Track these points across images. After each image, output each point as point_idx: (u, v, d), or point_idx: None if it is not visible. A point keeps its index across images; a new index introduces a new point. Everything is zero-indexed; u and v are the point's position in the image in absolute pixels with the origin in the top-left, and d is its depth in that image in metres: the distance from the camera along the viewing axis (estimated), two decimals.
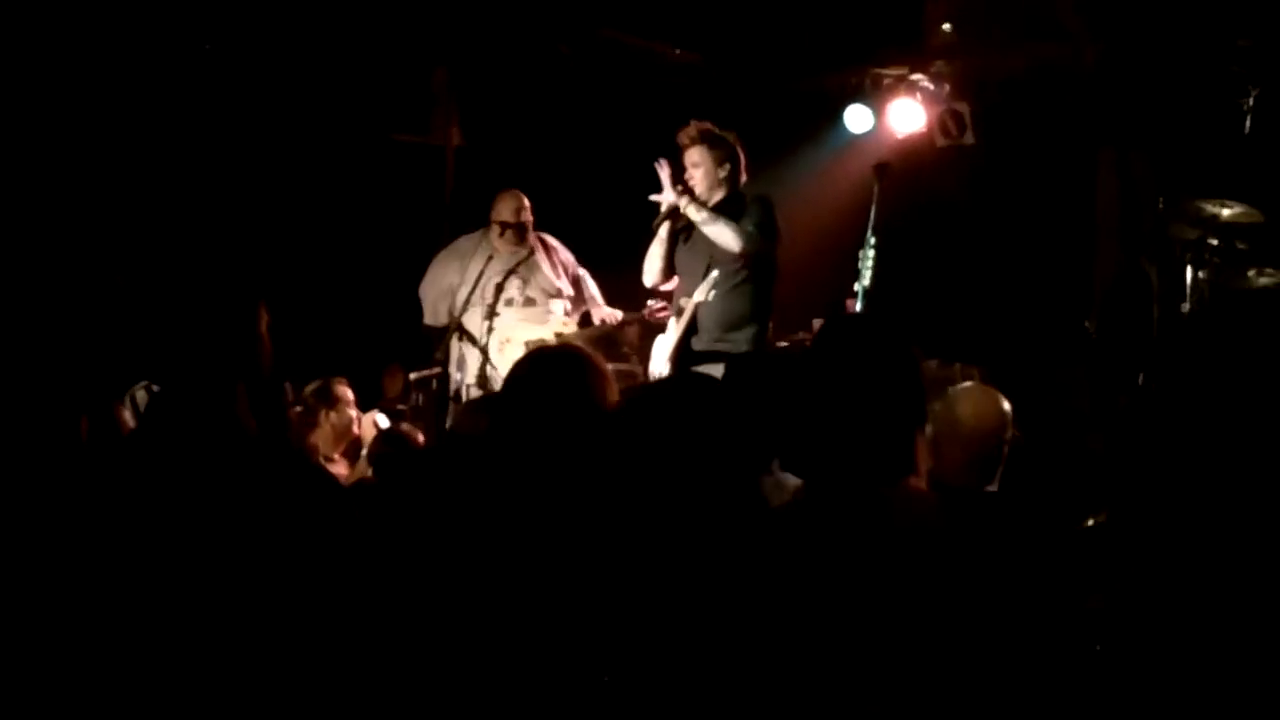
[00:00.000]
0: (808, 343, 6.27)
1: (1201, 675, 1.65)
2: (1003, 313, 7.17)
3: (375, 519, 2.31)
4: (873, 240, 5.58)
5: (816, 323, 6.39)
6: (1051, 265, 7.17)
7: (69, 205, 6.53)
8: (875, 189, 5.67)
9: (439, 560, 2.04)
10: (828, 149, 7.71)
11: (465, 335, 5.97)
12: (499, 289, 5.92)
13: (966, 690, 1.97)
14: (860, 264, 5.61)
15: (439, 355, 6.04)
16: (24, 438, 2.69)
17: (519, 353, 5.86)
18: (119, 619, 2.03)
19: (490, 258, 6.02)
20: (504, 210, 6.08)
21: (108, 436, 3.00)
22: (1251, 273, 5.36)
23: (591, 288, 6.21)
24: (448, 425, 5.67)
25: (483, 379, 5.92)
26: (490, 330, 5.92)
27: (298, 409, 5.17)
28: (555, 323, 5.99)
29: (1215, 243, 5.47)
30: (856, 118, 7.46)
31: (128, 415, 3.61)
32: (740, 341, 5.20)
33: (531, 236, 6.12)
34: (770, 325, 5.47)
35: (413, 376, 6.29)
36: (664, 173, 5.31)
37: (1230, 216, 5.47)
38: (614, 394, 2.29)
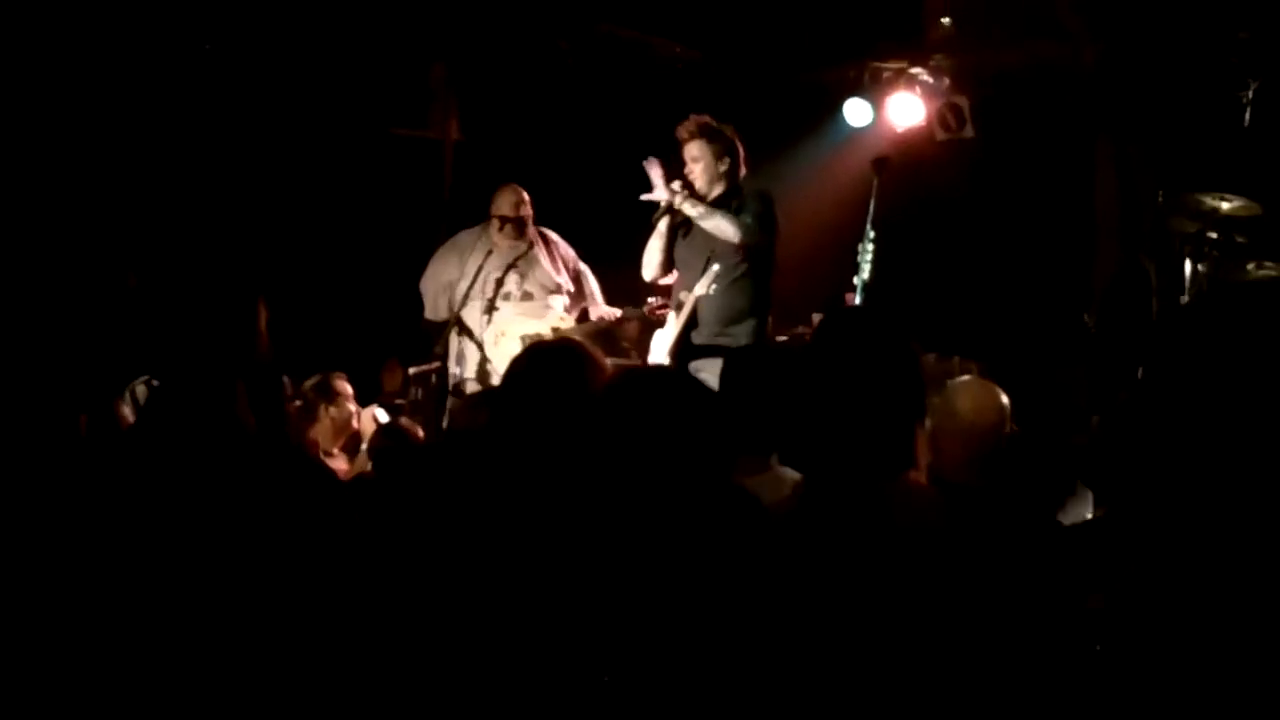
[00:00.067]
0: (807, 337, 6.28)
1: (1203, 674, 1.64)
2: (1001, 307, 7.18)
3: (374, 514, 2.31)
4: (872, 234, 5.58)
5: (816, 317, 6.39)
6: (1050, 259, 7.18)
7: (77, 204, 6.52)
8: (874, 183, 5.66)
9: (438, 555, 2.04)
10: (827, 143, 7.71)
11: (464, 330, 5.97)
12: (498, 284, 5.92)
13: (965, 687, 1.97)
14: (859, 258, 5.61)
15: (438, 350, 6.04)
16: (24, 433, 2.69)
17: (515, 346, 5.86)
18: (117, 614, 2.03)
19: (489, 252, 6.00)
20: (503, 205, 6.07)
21: (106, 432, 2.99)
22: (1251, 266, 5.35)
23: (592, 285, 6.21)
24: (446, 420, 5.66)
25: (482, 373, 5.92)
26: (488, 325, 5.93)
27: (297, 404, 5.17)
28: (553, 317, 5.98)
29: (1215, 236, 5.47)
30: (856, 111, 7.46)
31: (127, 410, 3.60)
32: (740, 335, 5.20)
33: (531, 231, 6.11)
34: (770, 319, 5.47)
35: (411, 371, 6.28)
36: (654, 172, 5.30)
37: (1230, 210, 5.47)
38: None
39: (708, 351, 5.16)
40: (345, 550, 2.13)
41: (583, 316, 6.19)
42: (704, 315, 5.26)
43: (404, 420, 5.04)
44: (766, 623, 1.93)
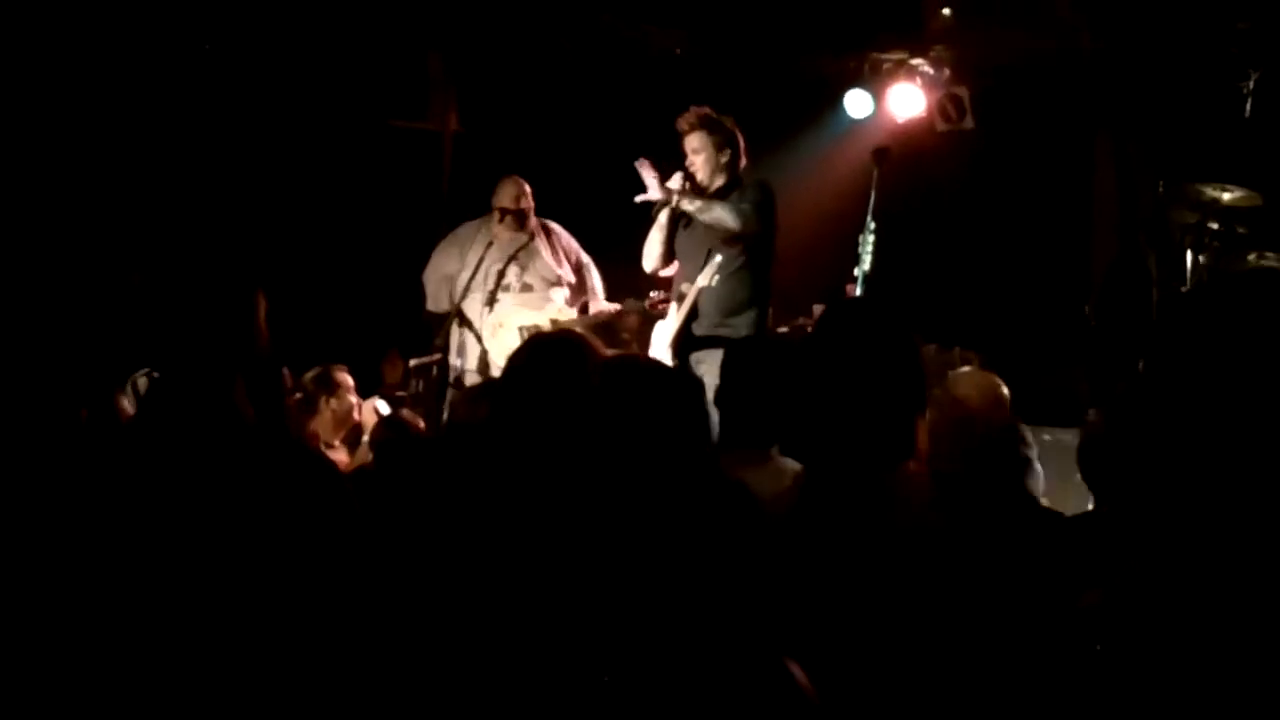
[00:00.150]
0: (808, 328, 6.29)
1: (1204, 674, 1.64)
2: (1002, 298, 7.18)
3: (375, 506, 2.31)
4: (872, 225, 5.57)
5: (817, 308, 6.39)
6: (1050, 250, 7.17)
7: (80, 201, 6.52)
8: (875, 174, 5.65)
9: (439, 547, 2.04)
10: (827, 134, 7.70)
11: (465, 322, 5.98)
12: (499, 275, 5.93)
13: (963, 681, 1.97)
14: (860, 249, 5.60)
15: (438, 342, 6.04)
16: (24, 426, 2.69)
17: (512, 337, 5.88)
18: (116, 607, 2.03)
19: (490, 244, 6.01)
20: (504, 197, 6.07)
21: (106, 424, 2.99)
22: (1252, 256, 5.35)
23: (594, 279, 6.20)
24: (447, 412, 5.67)
25: (483, 365, 5.93)
26: (488, 316, 5.94)
27: (297, 396, 5.17)
28: (552, 310, 5.99)
29: (1215, 227, 5.47)
30: (856, 103, 7.45)
31: (126, 403, 3.60)
32: (740, 326, 5.20)
33: (532, 223, 6.11)
34: (770, 310, 5.47)
35: (412, 363, 6.29)
36: (646, 173, 5.29)
37: (1230, 200, 5.47)
38: None
39: (708, 343, 5.16)
40: (346, 542, 2.13)
41: (583, 309, 6.19)
42: (704, 306, 5.26)
43: (405, 412, 5.03)
44: (765, 615, 1.93)
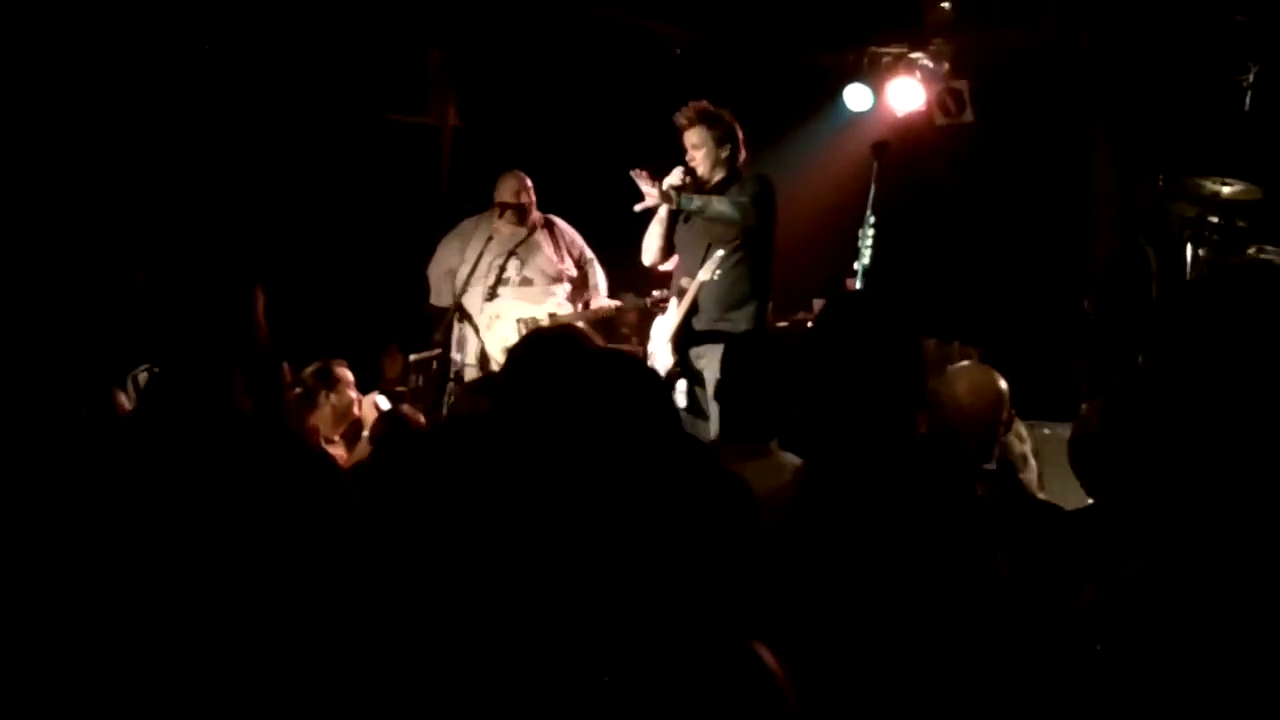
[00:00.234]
0: (808, 323, 6.29)
1: (1206, 673, 1.64)
2: (1001, 292, 7.18)
3: (374, 500, 2.31)
4: (872, 219, 5.57)
5: (817, 303, 6.39)
6: (1050, 244, 7.17)
7: (83, 199, 6.52)
8: (874, 168, 5.65)
9: (436, 541, 2.04)
10: (827, 128, 7.70)
11: (465, 316, 5.99)
12: (499, 270, 5.95)
13: (962, 675, 1.97)
14: (860, 243, 5.60)
15: (438, 337, 6.05)
16: (24, 423, 2.69)
17: (509, 330, 5.90)
18: (115, 602, 2.03)
19: (489, 238, 6.02)
20: (504, 191, 6.09)
21: (103, 419, 2.99)
22: (1252, 250, 5.35)
23: (597, 276, 6.19)
24: (447, 406, 5.67)
25: (483, 359, 5.94)
26: (486, 309, 5.96)
27: (296, 391, 5.16)
28: (551, 304, 5.99)
29: (1215, 220, 5.46)
30: (855, 97, 7.44)
31: (124, 399, 3.60)
32: (740, 321, 5.20)
33: (534, 217, 6.12)
34: (769, 304, 5.47)
35: (412, 358, 6.30)
36: (643, 183, 5.29)
37: (1230, 194, 5.47)
38: None
39: (708, 337, 5.17)
40: (344, 537, 2.13)
41: (585, 305, 6.19)
42: (704, 301, 5.26)
43: (405, 407, 5.03)
44: (764, 610, 1.93)
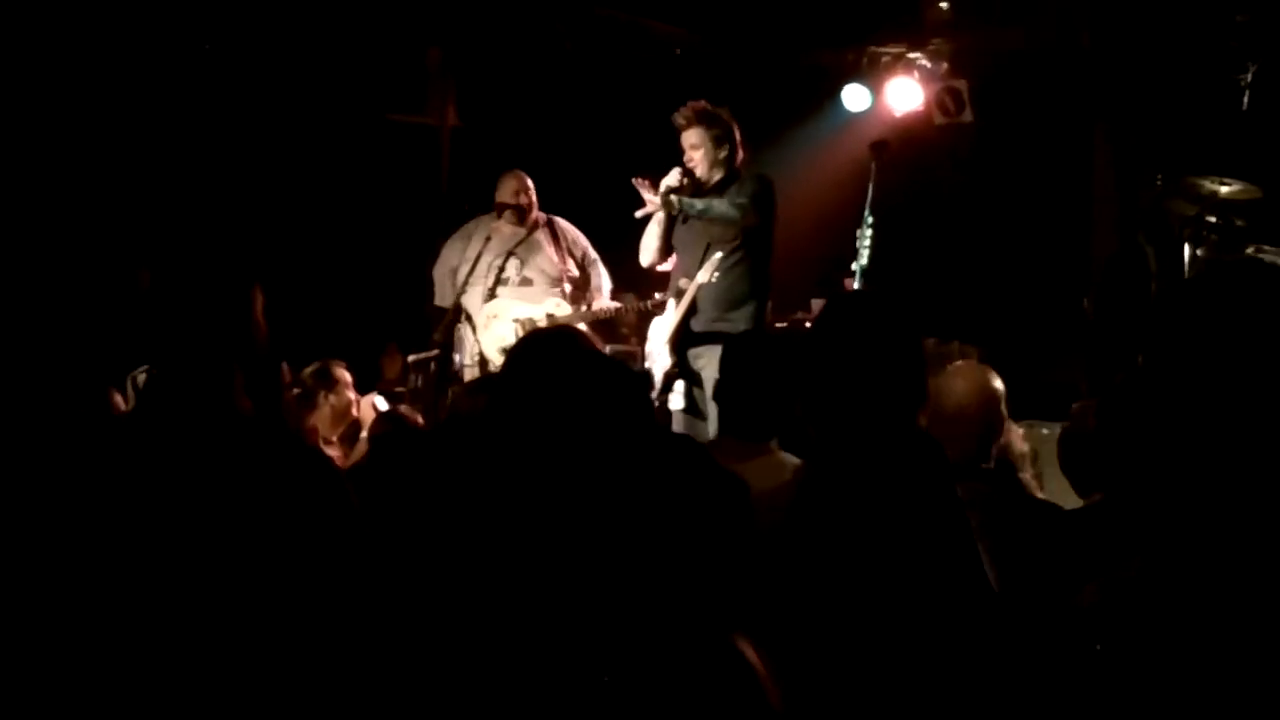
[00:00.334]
0: (806, 323, 6.29)
1: (1206, 673, 1.64)
2: (1000, 291, 7.18)
3: (372, 500, 2.31)
4: (870, 219, 5.57)
5: (816, 303, 6.39)
6: (1049, 243, 7.18)
7: (85, 200, 6.52)
8: (873, 167, 5.65)
9: (435, 543, 2.04)
10: (825, 128, 7.70)
11: (466, 316, 6.01)
12: (499, 270, 5.97)
13: (961, 675, 1.97)
14: (858, 243, 5.60)
15: (437, 337, 6.05)
16: (22, 422, 2.69)
17: (505, 330, 5.91)
18: (113, 601, 2.03)
19: (488, 239, 6.04)
20: (504, 191, 6.11)
21: (99, 419, 2.99)
22: (1250, 250, 5.35)
23: (600, 277, 6.18)
24: (447, 407, 5.67)
25: (482, 359, 5.94)
26: (485, 309, 5.97)
27: (295, 391, 5.16)
28: (549, 304, 5.99)
29: (1213, 220, 5.46)
30: (853, 97, 7.44)
31: (120, 400, 3.60)
32: (739, 321, 5.19)
33: (534, 217, 6.13)
34: (768, 304, 5.47)
35: (411, 359, 6.30)
36: (645, 191, 5.29)
37: (1229, 193, 5.46)
38: None
39: (707, 338, 5.16)
40: (343, 536, 2.13)
41: (587, 306, 6.19)
42: (703, 302, 5.26)
43: (403, 408, 5.03)
44: (764, 607, 1.93)
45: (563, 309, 5.98)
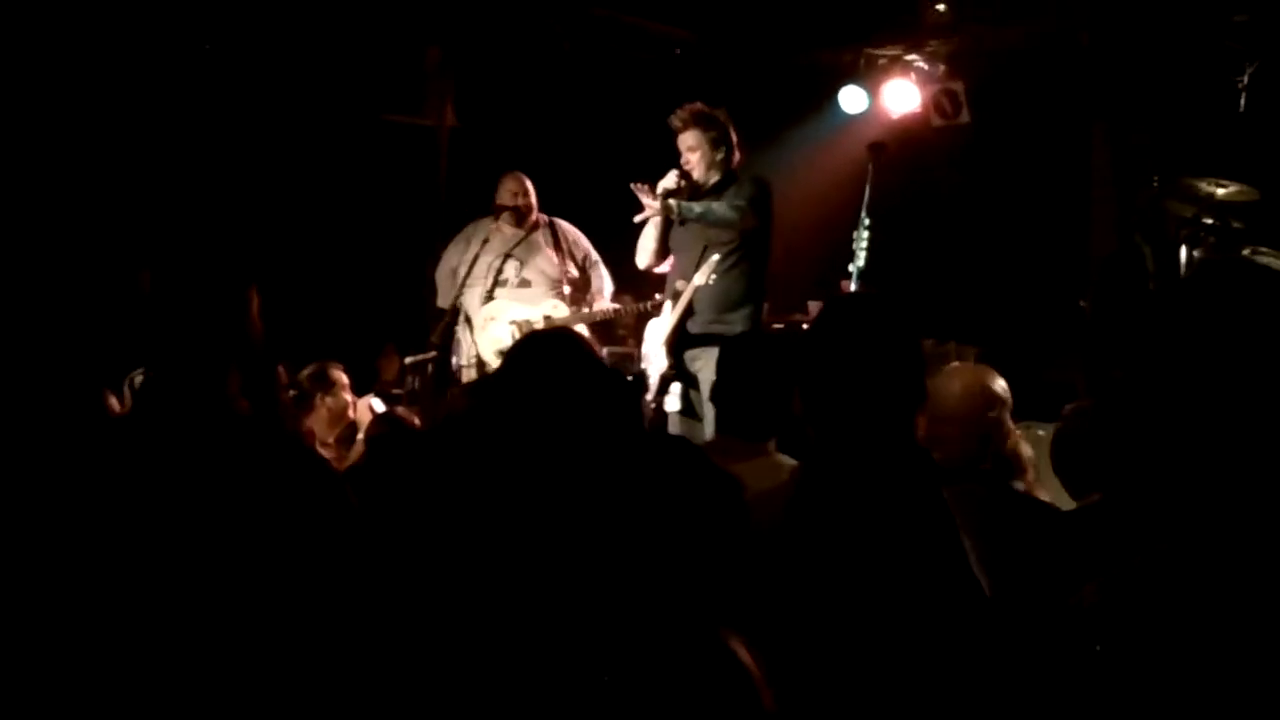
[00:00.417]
0: (803, 325, 6.29)
1: (1206, 673, 1.64)
2: (998, 292, 7.18)
3: (369, 502, 2.31)
4: (867, 221, 5.57)
5: (813, 305, 6.40)
6: (1046, 244, 7.18)
7: (79, 200, 6.51)
8: (870, 169, 5.65)
9: (433, 543, 2.04)
10: (822, 129, 7.70)
11: (465, 318, 6.02)
12: (497, 271, 5.98)
13: (959, 676, 1.97)
14: (855, 244, 5.60)
15: (434, 339, 6.06)
16: (19, 422, 2.69)
17: (502, 331, 5.91)
18: (110, 602, 2.03)
19: (485, 240, 6.06)
20: (502, 193, 6.12)
21: (95, 421, 2.99)
22: (1247, 251, 5.35)
23: (600, 280, 6.18)
24: (445, 408, 5.67)
25: (479, 361, 5.94)
26: (482, 310, 5.98)
27: (292, 393, 5.16)
28: (547, 305, 5.99)
29: (1210, 221, 5.45)
30: (851, 98, 7.45)
31: (114, 402, 3.59)
32: (735, 323, 5.19)
33: (534, 219, 6.14)
34: (764, 306, 5.47)
35: (408, 360, 6.29)
36: (644, 196, 5.29)
37: (1226, 195, 5.46)
38: None
39: (703, 340, 5.16)
40: (340, 537, 2.13)
41: (588, 307, 6.19)
42: (699, 304, 5.26)
43: (400, 409, 5.03)
44: (760, 608, 1.93)
45: (560, 311, 5.98)
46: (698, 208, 5.23)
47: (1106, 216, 6.99)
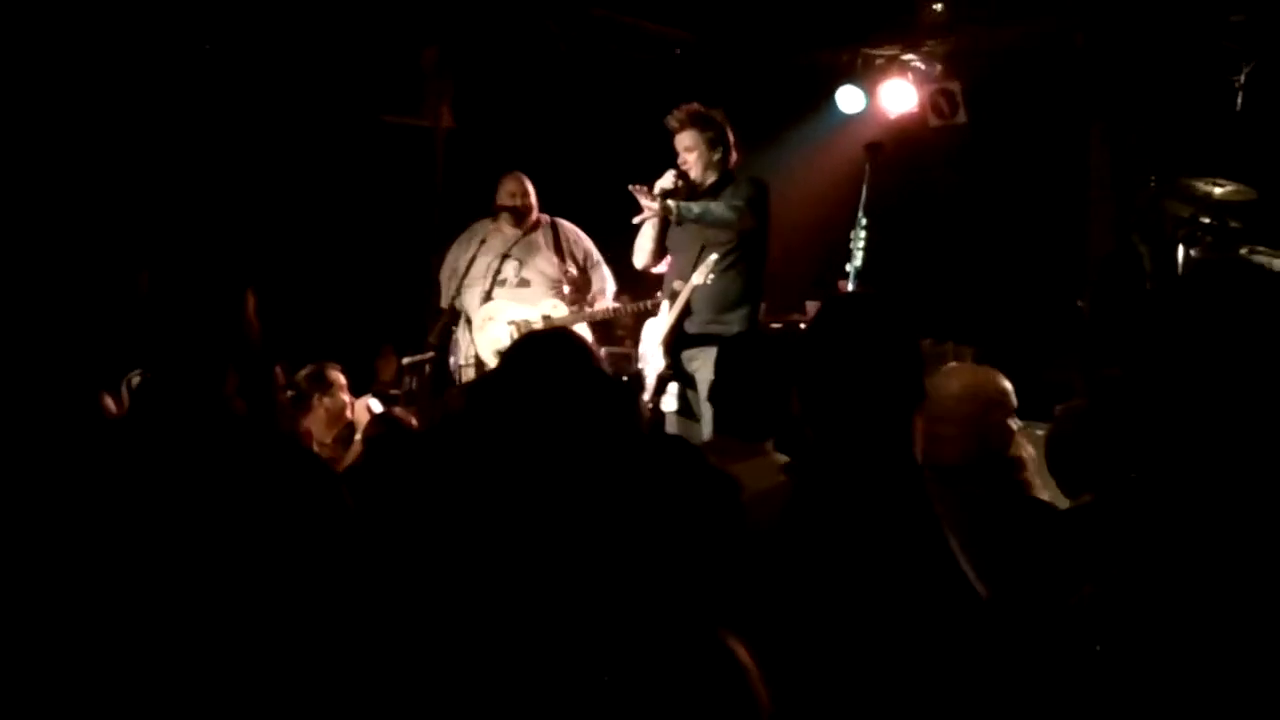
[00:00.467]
0: (800, 324, 6.30)
1: (1205, 672, 1.63)
2: (995, 292, 7.19)
3: (367, 502, 2.30)
4: (864, 221, 5.57)
5: (810, 305, 6.40)
6: (1044, 244, 7.19)
7: (77, 200, 6.51)
8: (867, 169, 5.65)
9: (430, 544, 2.04)
10: (819, 129, 7.70)
11: (466, 319, 6.04)
12: (496, 271, 5.99)
13: (958, 674, 1.97)
14: (852, 244, 5.60)
15: (431, 339, 6.06)
16: (16, 423, 2.69)
17: (500, 331, 5.91)
18: (107, 604, 2.03)
19: (483, 240, 6.07)
20: (501, 193, 6.13)
21: (93, 422, 2.99)
22: (1244, 250, 5.35)
23: (602, 280, 6.17)
24: (441, 408, 5.67)
25: (478, 361, 5.95)
26: (481, 310, 5.98)
27: (289, 393, 5.16)
28: (546, 305, 5.99)
29: (1208, 221, 5.46)
30: (848, 98, 7.45)
31: (110, 402, 3.59)
32: (732, 323, 5.19)
33: (534, 219, 6.14)
34: (761, 306, 5.47)
35: (405, 361, 6.30)
36: (643, 198, 5.29)
37: (1223, 195, 5.47)
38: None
39: (701, 340, 5.16)
40: (338, 537, 2.13)
41: (587, 307, 6.19)
42: (696, 304, 5.26)
43: (397, 410, 5.03)
44: (757, 607, 1.93)
45: (560, 310, 5.99)
46: (696, 208, 5.23)
47: (1104, 216, 7.00)
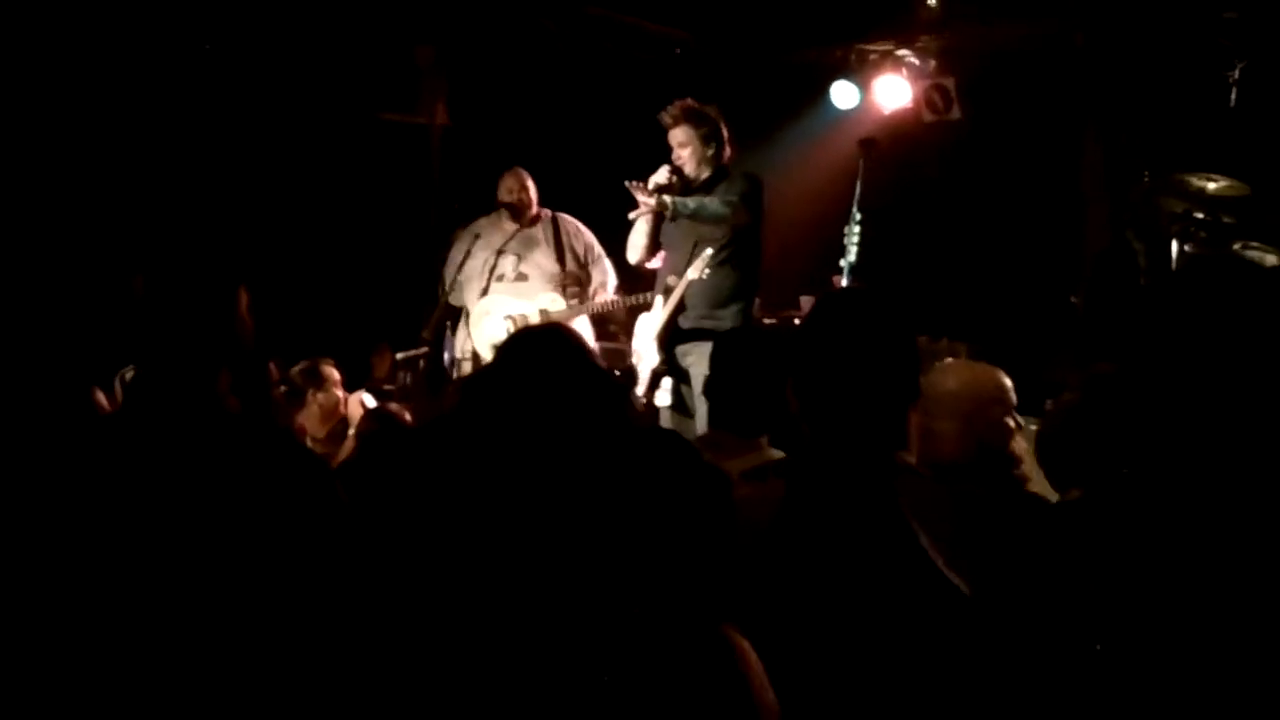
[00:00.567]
0: (795, 320, 6.30)
1: (1204, 670, 1.64)
2: (989, 288, 7.19)
3: (360, 497, 2.30)
4: (858, 216, 5.58)
5: (805, 300, 6.40)
6: (1038, 240, 7.19)
7: (74, 200, 6.50)
8: (861, 165, 5.66)
9: (423, 539, 2.04)
10: (813, 125, 7.70)
11: (465, 314, 6.06)
12: (493, 267, 6.02)
13: (956, 671, 1.97)
14: (846, 240, 5.61)
15: (425, 335, 6.08)
16: (14, 423, 2.69)
17: (496, 326, 5.93)
18: (100, 600, 2.03)
19: (477, 236, 6.11)
20: (501, 189, 6.17)
21: (84, 418, 2.98)
22: (1238, 246, 5.36)
23: (603, 275, 6.18)
24: (437, 403, 5.67)
25: (475, 356, 5.97)
26: (478, 305, 6.00)
27: (283, 389, 5.16)
28: (543, 300, 6.00)
29: (1202, 216, 5.47)
30: (842, 94, 7.45)
31: (103, 399, 3.59)
32: (726, 319, 5.20)
33: (533, 214, 6.16)
34: (755, 302, 5.47)
35: (399, 356, 6.30)
36: (639, 194, 5.30)
37: (1216, 190, 5.47)
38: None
39: (695, 335, 5.17)
40: (331, 533, 2.13)
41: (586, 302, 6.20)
42: (691, 299, 5.27)
43: (392, 405, 5.03)
44: (752, 606, 1.93)
45: (557, 304, 6.00)
46: (690, 203, 5.23)
47: (1098, 212, 7.00)
